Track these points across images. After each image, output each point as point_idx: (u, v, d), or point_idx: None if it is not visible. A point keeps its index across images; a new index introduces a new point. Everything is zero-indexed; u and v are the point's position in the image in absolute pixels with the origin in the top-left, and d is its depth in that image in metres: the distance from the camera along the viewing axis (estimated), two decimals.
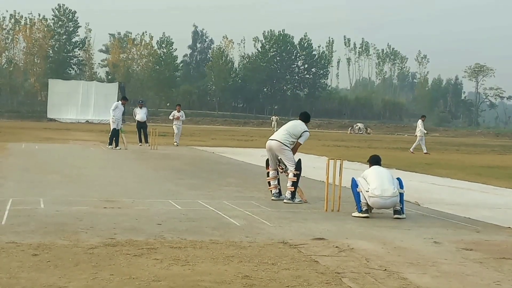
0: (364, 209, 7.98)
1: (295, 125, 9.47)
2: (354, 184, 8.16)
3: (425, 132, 26.50)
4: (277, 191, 9.42)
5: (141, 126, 22.48)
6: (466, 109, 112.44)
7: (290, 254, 5.65)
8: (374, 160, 8.67)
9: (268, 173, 9.55)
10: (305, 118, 9.67)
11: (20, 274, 4.58)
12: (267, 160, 9.57)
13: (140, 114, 22.47)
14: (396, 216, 7.99)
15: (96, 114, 61.23)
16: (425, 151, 25.32)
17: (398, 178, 8.33)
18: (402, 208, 8.08)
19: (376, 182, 7.97)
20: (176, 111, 24.23)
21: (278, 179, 9.52)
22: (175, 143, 23.22)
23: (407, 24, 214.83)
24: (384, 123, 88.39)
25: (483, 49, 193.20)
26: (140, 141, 22.23)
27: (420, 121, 26.22)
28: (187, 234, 6.37)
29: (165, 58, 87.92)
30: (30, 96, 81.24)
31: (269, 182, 9.55)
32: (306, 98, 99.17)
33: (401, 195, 8.10)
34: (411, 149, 25.78)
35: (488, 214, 8.82)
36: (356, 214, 8.04)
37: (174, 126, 23.91)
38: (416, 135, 26.36)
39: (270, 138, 9.49)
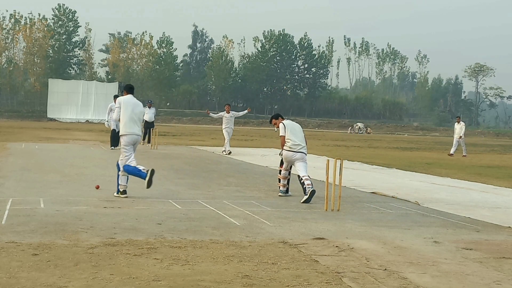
0: (122, 190, 8.87)
1: (300, 127, 9.91)
2: (119, 168, 9.06)
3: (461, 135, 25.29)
4: (285, 189, 9.85)
5: (149, 126, 22.40)
6: (466, 109, 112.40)
7: (290, 253, 5.64)
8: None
9: (280, 170, 9.91)
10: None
11: (20, 273, 4.58)
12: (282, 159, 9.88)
13: (149, 114, 22.37)
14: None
15: (96, 114, 61.31)
16: (452, 152, 24.65)
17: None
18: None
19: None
20: (225, 111, 20.21)
21: (288, 179, 9.87)
22: (223, 152, 19.62)
23: (407, 23, 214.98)
24: (384, 123, 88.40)
25: (483, 49, 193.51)
26: (144, 139, 22.10)
27: (461, 124, 24.94)
28: (187, 233, 6.37)
29: (165, 58, 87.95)
30: (30, 96, 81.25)
31: (279, 179, 9.94)
32: (306, 98, 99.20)
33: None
34: (464, 153, 24.49)
35: (488, 213, 8.81)
36: (116, 194, 8.92)
37: (224, 131, 19.95)
38: (460, 137, 24.73)
39: (294, 150, 9.53)
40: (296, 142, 9.54)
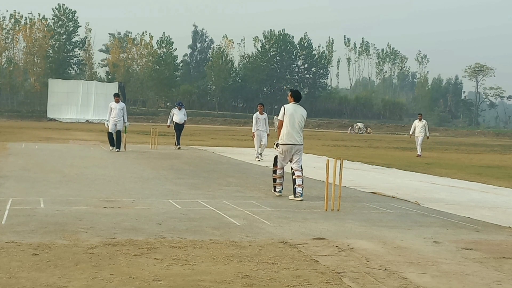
0: None
1: (302, 117, 9.56)
2: None
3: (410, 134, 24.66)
4: (282, 188, 9.82)
5: (179, 128, 22.19)
6: (466, 109, 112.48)
7: (290, 253, 5.64)
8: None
9: (275, 170, 9.81)
10: (299, 97, 9.77)
11: (20, 273, 4.58)
12: (276, 158, 9.76)
13: (179, 115, 22.07)
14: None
15: (96, 114, 61.39)
16: (419, 153, 23.64)
17: None
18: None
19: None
20: (258, 112, 18.29)
21: (283, 177, 9.88)
22: (256, 159, 17.79)
23: (407, 23, 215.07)
24: (384, 123, 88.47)
25: (483, 49, 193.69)
26: (178, 143, 21.82)
27: (423, 122, 23.71)
28: (187, 233, 6.36)
29: (165, 58, 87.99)
30: (30, 96, 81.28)
31: (275, 179, 9.86)
32: (306, 98, 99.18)
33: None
34: (419, 153, 23.48)
35: (488, 213, 8.81)
36: None
37: (255, 134, 18.06)
38: (422, 137, 23.60)
39: (291, 143, 9.48)
40: (290, 131, 9.42)
